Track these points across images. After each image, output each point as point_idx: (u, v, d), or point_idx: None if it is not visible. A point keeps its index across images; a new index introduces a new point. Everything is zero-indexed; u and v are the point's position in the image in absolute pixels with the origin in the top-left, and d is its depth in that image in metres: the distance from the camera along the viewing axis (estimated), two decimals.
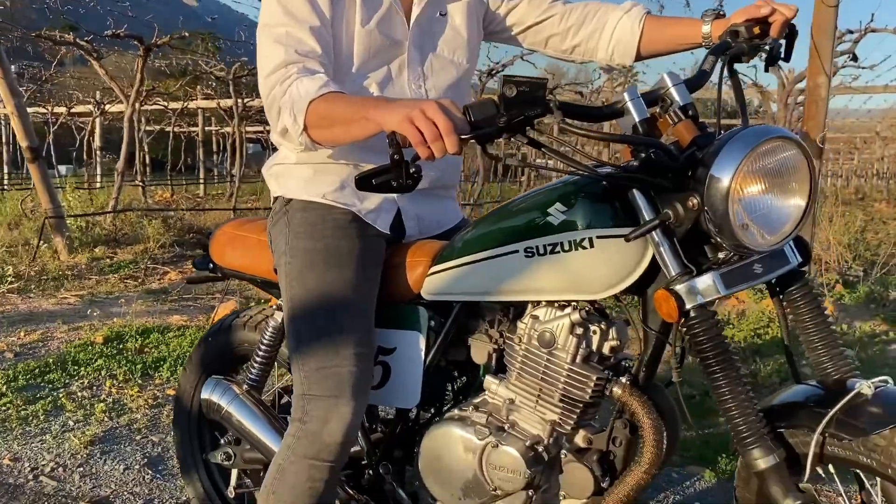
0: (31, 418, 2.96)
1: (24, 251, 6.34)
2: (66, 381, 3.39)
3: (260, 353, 1.79)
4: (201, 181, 15.98)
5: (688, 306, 1.26)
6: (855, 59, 6.22)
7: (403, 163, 1.25)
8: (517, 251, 1.42)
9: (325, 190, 1.57)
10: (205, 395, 1.78)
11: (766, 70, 1.59)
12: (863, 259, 6.03)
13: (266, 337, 1.78)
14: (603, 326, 1.45)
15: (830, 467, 1.24)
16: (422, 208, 1.69)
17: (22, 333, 4.22)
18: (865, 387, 1.16)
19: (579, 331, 1.42)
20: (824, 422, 1.16)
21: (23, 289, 5.37)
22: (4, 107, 5.89)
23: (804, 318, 1.33)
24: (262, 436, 1.67)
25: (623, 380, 1.41)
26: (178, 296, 5.22)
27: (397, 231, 1.66)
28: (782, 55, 1.51)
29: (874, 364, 3.67)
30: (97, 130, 14.75)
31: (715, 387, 1.27)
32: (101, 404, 3.08)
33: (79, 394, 3.25)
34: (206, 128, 18.23)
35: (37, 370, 3.48)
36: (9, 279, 5.43)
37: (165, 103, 14.40)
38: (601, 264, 1.35)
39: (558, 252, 1.38)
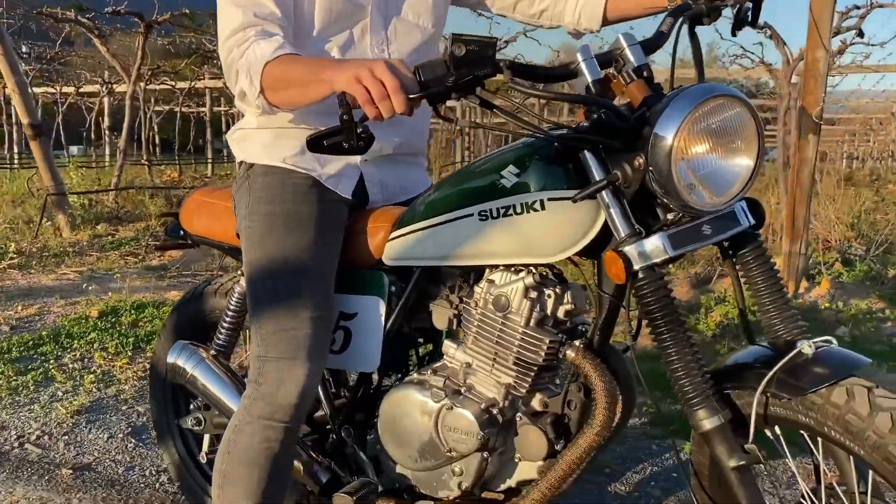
0: (21, 388, 3.00)
1: (28, 228, 6.39)
2: (59, 353, 3.43)
3: (227, 319, 1.80)
4: (209, 161, 16.01)
5: (636, 267, 1.25)
6: (861, 34, 6.13)
7: (353, 123, 1.25)
8: (472, 215, 1.42)
9: (286, 154, 1.57)
10: (170, 359, 1.79)
11: (734, 34, 1.57)
12: (866, 239, 5.97)
13: (232, 303, 1.79)
14: (558, 290, 1.44)
15: (777, 429, 1.25)
16: (386, 174, 1.68)
17: (19, 307, 4.26)
18: (806, 346, 1.16)
19: (533, 294, 1.42)
20: (764, 381, 1.16)
21: (24, 265, 5.41)
22: (6, 86, 5.91)
23: (756, 279, 1.31)
24: (226, 399, 1.68)
25: (577, 343, 1.41)
26: (177, 272, 5.25)
27: (360, 197, 1.66)
28: (749, 19, 1.49)
29: (867, 341, 3.65)
30: (106, 110, 14.80)
31: (662, 348, 1.27)
32: (91, 376, 3.11)
33: (70, 365, 3.28)
34: (215, 108, 18.23)
35: (30, 343, 3.52)
36: (10, 255, 5.48)
37: (173, 83, 14.40)
38: (553, 227, 1.35)
39: (511, 215, 1.37)
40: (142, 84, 10.28)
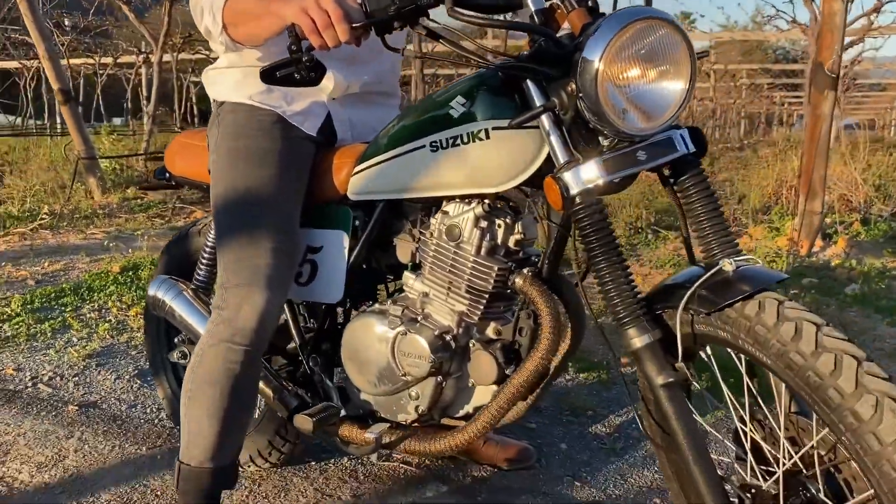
0: (38, 335, 3.14)
1: (62, 192, 6.59)
2: (78, 304, 3.57)
3: (204, 255, 1.88)
4: None
5: (572, 193, 1.28)
6: None
7: (301, 54, 1.30)
8: (424, 146, 1.46)
9: (252, 92, 1.63)
10: (151, 292, 1.88)
11: None
12: (893, 200, 5.85)
13: (209, 240, 1.86)
14: (508, 221, 1.48)
15: (709, 349, 1.28)
16: (354, 113, 1.73)
17: (46, 264, 4.43)
18: (727, 264, 1.18)
19: (483, 224, 1.46)
20: (685, 298, 1.19)
21: (55, 226, 5.60)
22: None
23: (695, 205, 1.33)
24: (199, 328, 1.76)
25: (525, 272, 1.45)
26: None
27: (329, 135, 1.71)
28: None
29: (876, 297, 3.61)
30: (143, 81, 15.02)
31: (597, 271, 1.30)
32: (106, 325, 3.24)
33: (87, 315, 3.42)
34: None
35: (52, 294, 3.67)
36: (42, 216, 5.67)
37: (208, 52, 14.55)
38: (498, 156, 1.38)
39: (458, 145, 1.41)
40: (174, 53, 10.41)
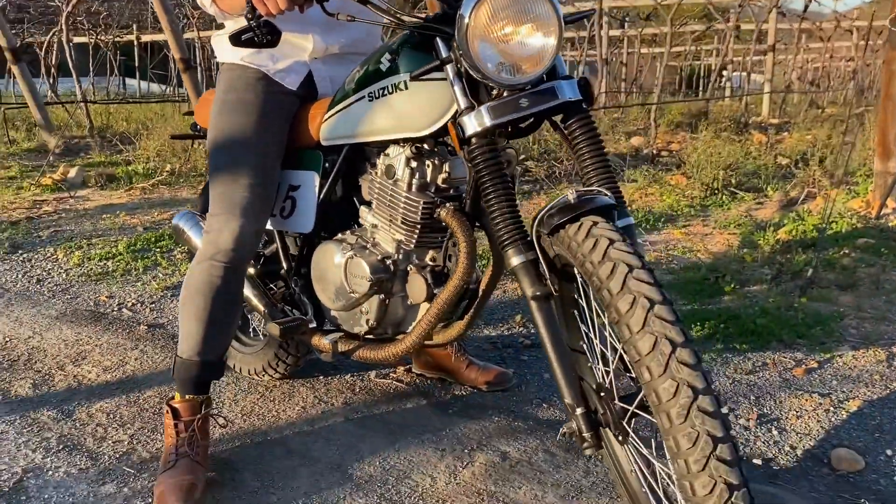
0: (132, 271, 3.66)
1: (183, 153, 7.27)
2: (171, 247, 4.08)
3: None
4: None
5: (466, 135, 1.50)
6: None
7: (257, 22, 1.59)
8: (364, 97, 1.71)
9: (244, 53, 1.93)
10: (174, 222, 2.25)
11: None
12: None
13: None
14: (437, 161, 1.71)
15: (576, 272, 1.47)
16: (335, 71, 2.00)
17: (156, 213, 5.02)
18: (571, 193, 1.37)
19: (413, 164, 1.70)
20: (535, 220, 1.39)
21: (173, 182, 6.25)
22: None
23: (581, 147, 1.52)
24: None
25: (448, 205, 1.69)
26: None
27: (312, 90, 1.99)
28: None
29: None
30: None
31: (486, 203, 1.51)
32: (188, 264, 3.72)
33: (176, 256, 3.92)
34: None
35: (152, 238, 4.20)
36: (162, 174, 6.33)
37: None
38: (417, 104, 1.61)
39: (385, 95, 1.65)
40: None
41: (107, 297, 3.29)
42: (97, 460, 1.93)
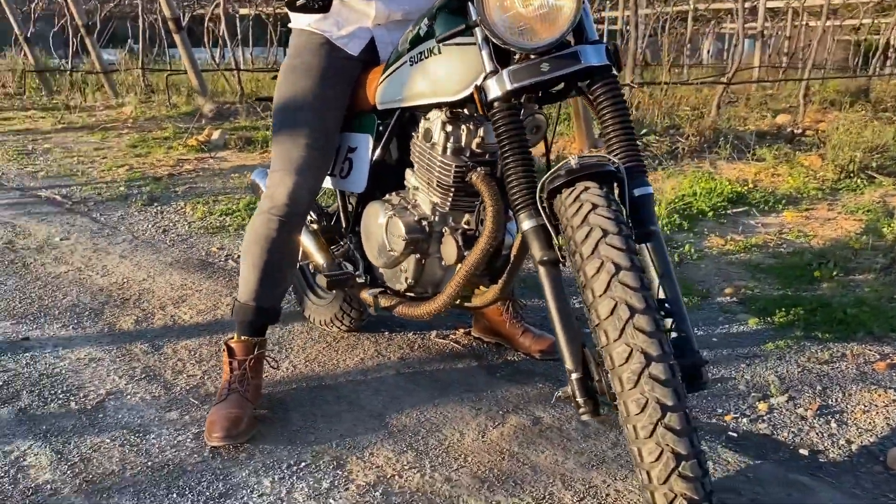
0: (245, 227, 3.93)
1: None
2: None
3: None
4: None
5: (489, 98, 1.53)
6: None
7: None
8: (406, 62, 1.77)
9: (311, 20, 2.04)
10: (251, 177, 2.42)
11: None
12: None
13: None
14: (472, 126, 1.75)
15: None
16: (397, 37, 2.06)
17: None
18: (574, 158, 1.37)
19: (449, 128, 1.75)
20: (538, 187, 1.40)
21: None
22: None
23: (604, 112, 1.50)
24: None
25: (480, 170, 1.72)
26: None
27: (375, 56, 2.07)
28: None
29: None
30: None
31: (503, 165, 1.53)
32: None
33: None
34: None
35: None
36: None
37: None
38: (448, 69, 1.65)
39: (422, 59, 1.70)
40: None
41: (218, 248, 3.57)
42: (170, 390, 2.14)
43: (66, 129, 7.79)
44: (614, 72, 1.53)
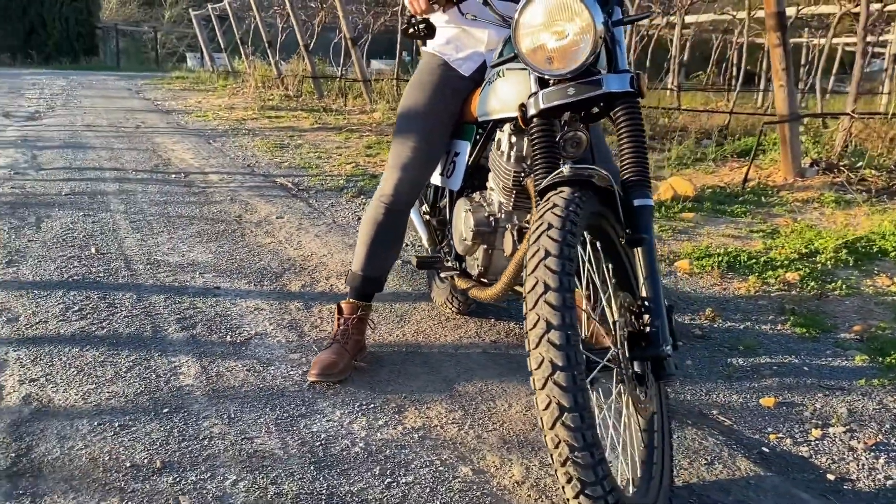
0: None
1: None
2: None
3: None
4: (760, 90, 15.91)
5: (529, 115, 1.81)
6: None
7: (411, 19, 2.10)
8: (489, 81, 2.10)
9: (436, 44, 2.42)
10: None
11: None
12: None
13: None
14: None
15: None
16: None
17: None
18: (567, 167, 1.61)
19: (513, 139, 2.05)
20: (536, 192, 1.65)
21: None
22: None
23: (621, 131, 1.73)
24: None
25: (533, 175, 1.99)
26: None
27: (483, 76, 2.41)
28: None
29: None
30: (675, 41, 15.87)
31: (533, 171, 1.80)
32: None
33: None
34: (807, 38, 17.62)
35: None
36: None
37: (734, 13, 14.61)
38: (509, 89, 1.96)
39: (494, 80, 2.02)
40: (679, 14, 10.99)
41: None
42: (301, 338, 2.65)
43: (320, 129, 8.96)
44: (637, 98, 1.73)
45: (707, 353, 2.63)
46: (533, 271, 1.40)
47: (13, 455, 1.85)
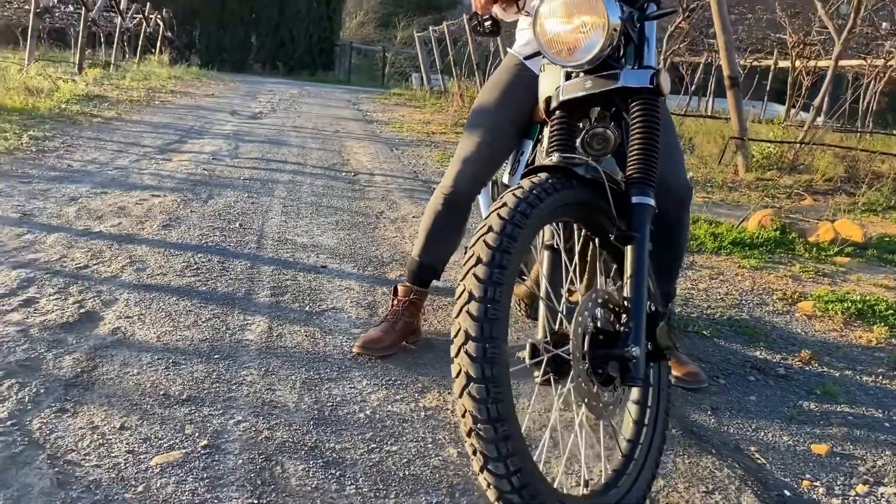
0: None
1: (715, 164, 7.67)
2: None
3: None
4: None
5: (551, 107, 1.82)
6: None
7: (478, 17, 2.18)
8: (536, 75, 2.11)
9: (518, 45, 2.47)
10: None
11: None
12: None
13: None
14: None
15: None
16: None
17: None
18: (556, 156, 1.59)
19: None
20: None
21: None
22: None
23: (634, 127, 1.68)
24: None
25: None
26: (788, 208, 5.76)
27: None
28: None
29: None
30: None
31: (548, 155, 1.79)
32: None
33: None
34: None
35: None
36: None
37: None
38: (546, 83, 1.95)
39: (539, 74, 2.03)
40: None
41: None
42: (371, 318, 2.79)
43: None
44: (655, 94, 1.68)
45: (779, 392, 2.42)
46: (474, 244, 1.42)
47: (78, 370, 2.15)
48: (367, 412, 2.05)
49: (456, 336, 1.36)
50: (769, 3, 10.45)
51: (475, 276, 1.37)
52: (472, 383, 1.32)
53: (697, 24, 12.48)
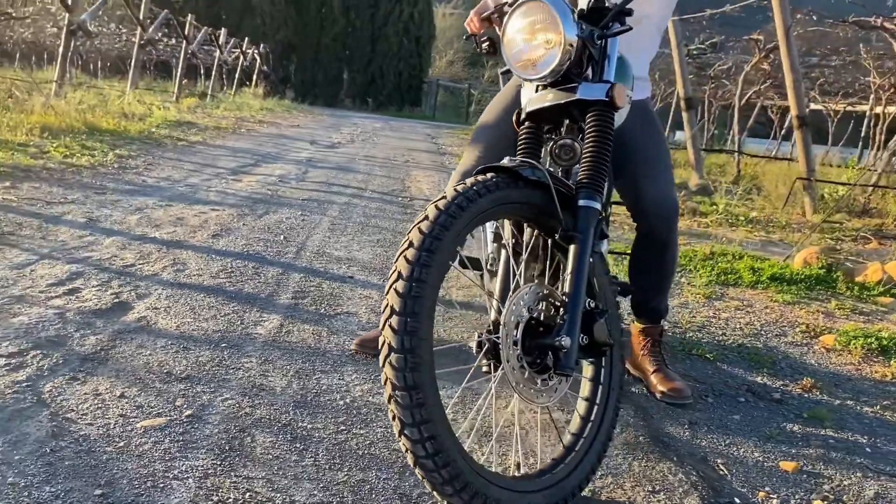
0: None
1: (784, 205, 7.51)
2: None
3: None
4: None
5: (521, 118, 1.94)
6: None
7: (475, 38, 2.35)
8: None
9: None
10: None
11: None
12: None
13: None
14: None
15: None
16: None
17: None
18: (508, 159, 1.70)
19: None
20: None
21: (767, 231, 6.66)
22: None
23: (587, 136, 1.79)
24: None
25: None
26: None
27: None
28: None
29: None
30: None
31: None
32: None
33: None
34: None
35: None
36: (768, 228, 6.79)
37: None
38: (525, 95, 2.08)
39: (523, 87, 2.15)
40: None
41: None
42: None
43: None
44: (610, 107, 1.79)
45: (766, 413, 2.42)
46: (409, 232, 1.55)
47: (98, 348, 2.37)
48: (346, 400, 2.19)
49: (383, 312, 1.49)
50: (852, 44, 10.20)
51: (405, 257, 1.50)
52: (392, 353, 1.44)
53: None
